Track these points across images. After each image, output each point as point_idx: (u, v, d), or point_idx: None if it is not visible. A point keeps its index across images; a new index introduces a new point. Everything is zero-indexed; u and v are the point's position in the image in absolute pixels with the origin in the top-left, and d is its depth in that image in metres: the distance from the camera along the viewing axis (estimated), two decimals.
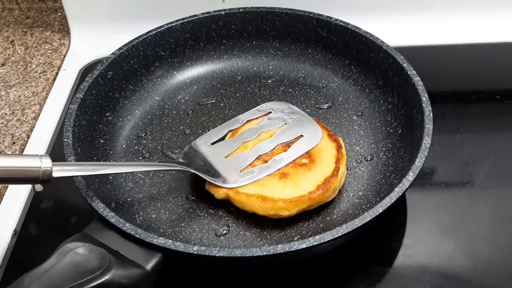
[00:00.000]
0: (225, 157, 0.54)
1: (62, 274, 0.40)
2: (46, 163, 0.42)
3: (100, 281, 0.40)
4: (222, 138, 0.57)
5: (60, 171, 0.43)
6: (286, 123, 0.57)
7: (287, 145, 0.55)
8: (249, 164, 0.53)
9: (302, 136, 0.55)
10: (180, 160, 0.54)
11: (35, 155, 0.42)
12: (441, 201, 0.56)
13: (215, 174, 0.52)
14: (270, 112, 0.59)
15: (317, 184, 0.51)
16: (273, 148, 0.55)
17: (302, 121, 0.57)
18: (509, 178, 0.57)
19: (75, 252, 0.41)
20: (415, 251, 0.51)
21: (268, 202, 0.50)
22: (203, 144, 0.55)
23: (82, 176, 0.48)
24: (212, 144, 0.56)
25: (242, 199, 0.51)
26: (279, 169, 0.53)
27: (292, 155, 0.54)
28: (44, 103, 0.68)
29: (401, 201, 0.55)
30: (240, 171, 0.53)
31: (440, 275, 0.49)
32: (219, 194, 0.52)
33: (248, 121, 0.58)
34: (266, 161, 0.53)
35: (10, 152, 0.62)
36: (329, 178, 0.52)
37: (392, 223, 0.53)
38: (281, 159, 0.53)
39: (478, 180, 0.57)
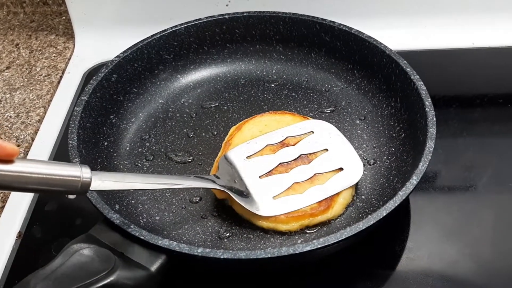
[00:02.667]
0: (260, 177, 0.52)
1: (67, 274, 0.40)
2: (86, 173, 0.39)
3: (105, 282, 0.40)
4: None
5: (98, 183, 0.41)
6: (327, 150, 0.54)
7: (324, 175, 0.52)
8: (284, 191, 0.51)
9: (341, 169, 0.53)
10: (215, 174, 0.52)
11: (75, 163, 0.40)
12: (444, 205, 0.56)
13: (248, 195, 0.51)
14: (312, 132, 0.56)
15: (319, 200, 0.51)
16: (310, 177, 0.52)
17: (343, 151, 0.54)
18: None
19: (81, 253, 0.41)
20: (418, 255, 0.51)
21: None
22: (239, 157, 0.53)
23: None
24: (247, 157, 0.53)
25: (243, 209, 0.50)
26: (315, 202, 0.50)
27: (329, 191, 0.51)
28: (49, 106, 0.69)
29: (405, 205, 0.55)
30: (273, 197, 0.51)
31: (443, 278, 0.49)
32: (221, 194, 0.52)
33: (287, 137, 0.55)
34: (301, 187, 0.51)
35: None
36: (332, 196, 0.51)
37: (395, 227, 0.53)
38: (317, 192, 0.51)
39: (481, 184, 0.57)
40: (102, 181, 0.41)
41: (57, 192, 0.41)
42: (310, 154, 0.54)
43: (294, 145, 0.55)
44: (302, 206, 0.50)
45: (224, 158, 0.53)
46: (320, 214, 0.50)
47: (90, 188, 0.40)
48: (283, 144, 0.55)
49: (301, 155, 0.54)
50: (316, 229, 0.51)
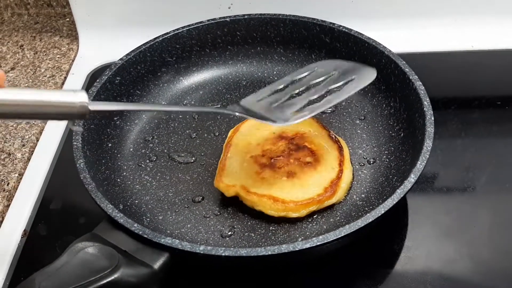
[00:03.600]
0: (275, 106, 0.50)
1: (72, 272, 0.41)
2: (81, 97, 0.39)
3: (109, 279, 0.41)
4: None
5: (96, 105, 0.41)
6: (336, 71, 0.53)
7: (339, 88, 0.51)
8: (300, 108, 0.50)
9: (353, 78, 0.52)
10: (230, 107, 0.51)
11: (70, 90, 0.40)
12: (442, 205, 0.56)
13: (263, 118, 0.49)
14: (316, 68, 0.55)
15: (325, 187, 0.52)
16: (324, 92, 0.51)
17: (352, 66, 0.53)
18: (510, 183, 0.58)
19: (85, 251, 0.42)
20: (416, 254, 0.52)
21: (279, 204, 0.51)
22: (249, 102, 0.52)
23: (117, 111, 0.48)
24: (258, 101, 0.52)
25: (253, 199, 0.52)
26: (332, 106, 0.50)
27: (345, 94, 0.50)
28: None
29: (403, 205, 0.55)
30: (292, 113, 0.49)
31: (441, 277, 0.50)
32: (229, 192, 0.53)
33: (293, 80, 0.54)
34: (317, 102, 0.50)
35: (20, 155, 0.63)
36: (335, 180, 0.53)
37: (394, 226, 0.54)
38: (332, 98, 0.50)
39: (479, 184, 0.58)
40: (100, 104, 0.42)
41: (56, 117, 0.41)
42: (320, 80, 0.53)
43: (303, 81, 0.54)
44: (321, 110, 0.49)
45: (233, 105, 0.52)
46: (326, 200, 0.52)
47: (90, 108, 0.40)
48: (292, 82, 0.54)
49: (310, 83, 0.53)
50: (320, 217, 0.52)
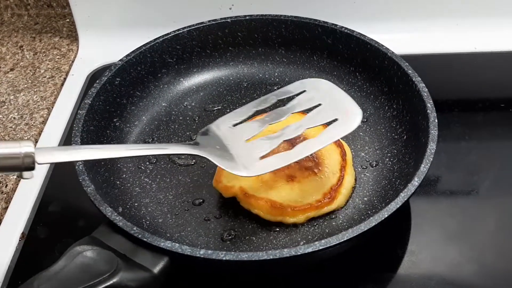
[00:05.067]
0: (246, 141, 0.48)
1: (71, 276, 0.40)
2: (26, 148, 0.38)
3: (108, 283, 0.40)
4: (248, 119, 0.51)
5: (44, 157, 0.38)
6: (321, 104, 0.49)
7: (318, 129, 0.48)
8: (271, 151, 0.47)
9: (336, 120, 0.48)
10: (196, 141, 0.48)
11: (16, 140, 0.39)
12: (446, 209, 0.56)
13: (230, 159, 0.46)
14: (304, 91, 0.51)
15: (324, 192, 0.51)
16: (301, 133, 0.48)
17: (339, 101, 0.49)
18: None
19: (84, 255, 0.42)
20: (420, 258, 0.51)
21: (277, 208, 0.50)
22: (224, 125, 0.49)
23: (74, 162, 0.42)
24: (234, 125, 0.49)
25: (251, 202, 0.51)
26: (304, 157, 0.46)
27: (321, 143, 0.47)
28: (52, 107, 0.69)
29: (406, 208, 0.55)
30: (260, 157, 0.46)
31: (445, 282, 0.49)
32: (228, 193, 0.52)
33: (278, 100, 0.51)
34: (292, 145, 0.48)
35: None
36: (335, 186, 0.52)
37: (398, 230, 0.54)
38: (307, 146, 0.47)
39: (483, 188, 0.57)
40: (50, 154, 0.40)
41: (2, 171, 0.39)
42: (302, 111, 0.50)
43: (285, 107, 0.51)
44: (290, 162, 0.46)
45: (207, 128, 0.49)
46: (325, 205, 0.51)
47: (37, 162, 0.38)
48: (273, 107, 0.51)
49: (291, 113, 0.50)
50: (322, 221, 0.51)
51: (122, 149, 0.45)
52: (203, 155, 0.46)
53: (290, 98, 0.51)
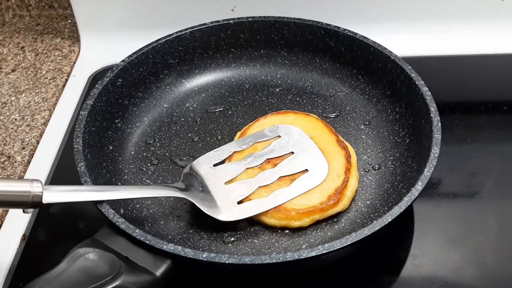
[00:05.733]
0: (225, 183, 0.53)
1: (72, 279, 0.40)
2: (36, 188, 0.41)
3: (110, 286, 0.40)
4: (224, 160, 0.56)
5: (50, 196, 0.42)
6: (293, 152, 0.55)
7: (290, 178, 0.53)
8: (248, 196, 0.52)
9: (307, 170, 0.53)
10: (180, 183, 0.52)
11: (26, 179, 0.42)
12: (448, 211, 0.56)
13: (211, 202, 0.51)
14: (279, 137, 0.57)
15: (329, 194, 0.51)
16: (275, 180, 0.53)
17: (309, 153, 0.55)
18: None
19: (86, 257, 0.42)
20: (422, 261, 0.51)
21: (281, 212, 0.50)
22: (205, 165, 0.54)
23: (75, 202, 0.45)
24: (214, 165, 0.54)
25: None
26: (280, 204, 0.51)
27: (293, 193, 0.52)
28: (54, 109, 0.69)
29: (409, 211, 0.55)
30: (238, 202, 0.51)
31: (448, 285, 0.49)
32: None
33: (255, 143, 0.56)
34: (267, 191, 0.52)
35: (19, 158, 0.62)
36: (340, 189, 0.52)
37: (400, 233, 0.53)
38: (281, 195, 0.52)
39: (485, 190, 0.57)
40: (57, 193, 0.43)
41: (9, 206, 0.44)
42: (277, 158, 0.55)
43: (261, 150, 0.55)
44: (265, 209, 0.51)
45: (190, 168, 0.54)
46: (330, 208, 0.51)
47: (43, 201, 0.42)
48: (250, 149, 0.56)
49: (267, 159, 0.54)
50: (325, 224, 0.52)
51: (116, 191, 0.49)
52: (189, 199, 0.50)
53: (265, 143, 0.56)
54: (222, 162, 0.55)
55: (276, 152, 0.55)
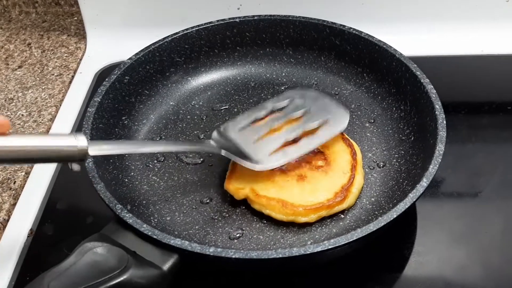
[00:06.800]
0: (254, 142, 0.54)
1: (81, 272, 0.41)
2: (81, 142, 0.42)
3: (118, 280, 0.41)
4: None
5: (95, 150, 0.43)
6: (311, 109, 0.57)
7: (314, 130, 0.55)
8: (279, 147, 0.53)
9: (328, 120, 0.56)
10: (211, 142, 0.54)
11: (71, 134, 0.43)
12: (452, 210, 0.56)
13: (246, 157, 0.52)
14: (295, 99, 0.58)
15: (335, 192, 0.52)
16: (301, 133, 0.55)
17: (327, 105, 0.58)
18: None
19: (94, 251, 0.42)
20: (426, 259, 0.51)
21: (288, 208, 0.51)
22: (231, 129, 0.55)
23: (118, 155, 0.51)
24: (240, 129, 0.55)
25: (262, 202, 0.51)
26: (310, 150, 0.54)
27: (321, 138, 0.54)
28: (60, 105, 0.70)
29: (412, 209, 0.55)
30: (270, 154, 0.53)
31: (452, 282, 0.49)
32: (239, 195, 0.53)
33: (274, 107, 0.58)
34: (296, 143, 0.54)
35: None
36: (346, 186, 0.52)
37: (403, 231, 0.54)
38: (307, 143, 0.54)
39: (489, 189, 0.57)
40: (101, 146, 0.45)
41: (56, 161, 0.44)
42: (297, 116, 0.56)
43: (281, 114, 0.57)
44: (299, 155, 0.53)
45: (217, 132, 0.55)
46: (336, 205, 0.51)
47: (90, 154, 0.42)
48: (271, 114, 0.57)
49: (288, 118, 0.56)
50: (330, 221, 0.52)
51: (153, 145, 0.56)
52: (225, 153, 0.52)
53: (283, 107, 0.58)
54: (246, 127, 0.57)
55: (295, 110, 0.57)
